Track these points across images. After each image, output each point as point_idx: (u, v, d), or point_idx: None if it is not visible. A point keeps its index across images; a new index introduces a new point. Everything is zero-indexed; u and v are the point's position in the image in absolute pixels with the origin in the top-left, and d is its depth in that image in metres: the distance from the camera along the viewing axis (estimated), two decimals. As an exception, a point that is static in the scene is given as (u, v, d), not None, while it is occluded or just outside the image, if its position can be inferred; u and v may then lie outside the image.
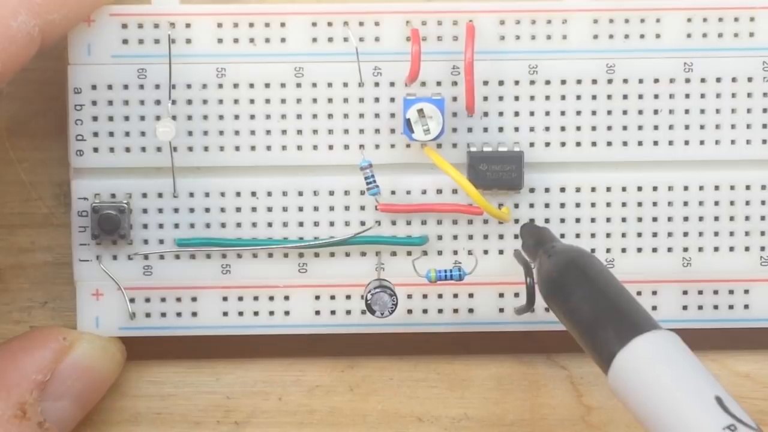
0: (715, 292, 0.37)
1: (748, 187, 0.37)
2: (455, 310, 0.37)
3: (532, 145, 0.36)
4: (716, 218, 0.37)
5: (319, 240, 0.36)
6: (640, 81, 0.36)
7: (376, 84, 0.36)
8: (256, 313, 0.37)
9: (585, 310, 0.30)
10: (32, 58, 0.33)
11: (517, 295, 0.37)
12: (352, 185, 0.36)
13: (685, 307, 0.37)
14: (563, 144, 0.36)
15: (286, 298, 0.37)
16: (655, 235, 0.37)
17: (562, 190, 0.36)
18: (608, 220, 0.37)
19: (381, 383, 0.38)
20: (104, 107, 0.36)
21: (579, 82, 0.36)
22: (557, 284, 0.31)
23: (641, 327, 0.29)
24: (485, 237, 0.36)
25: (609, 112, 0.36)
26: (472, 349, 0.38)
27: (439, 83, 0.36)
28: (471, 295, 0.37)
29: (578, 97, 0.36)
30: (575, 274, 0.31)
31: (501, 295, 0.37)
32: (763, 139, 0.36)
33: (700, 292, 0.37)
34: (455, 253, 0.36)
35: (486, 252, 0.36)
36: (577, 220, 0.36)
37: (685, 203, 0.37)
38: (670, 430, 0.27)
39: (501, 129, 0.36)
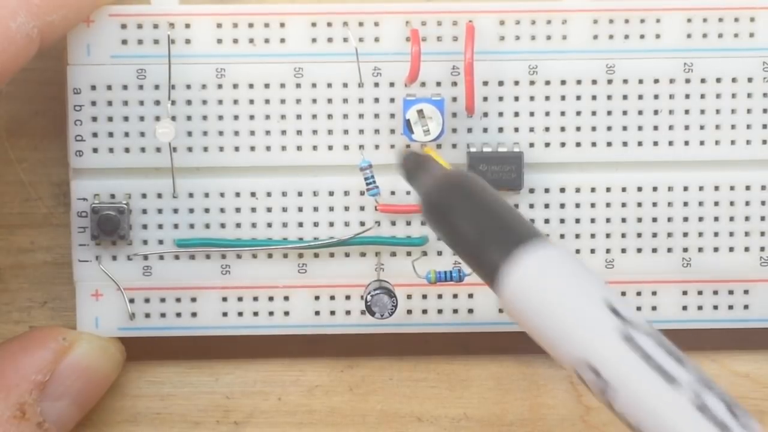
0: (715, 293, 0.37)
1: (748, 187, 0.37)
2: (455, 311, 0.37)
3: (531, 145, 0.36)
4: (716, 218, 0.37)
5: (319, 240, 0.36)
6: (640, 81, 0.36)
7: (376, 84, 0.36)
8: (255, 314, 0.37)
9: (467, 227, 0.29)
10: (31, 58, 0.33)
11: (516, 295, 0.36)
12: (351, 186, 0.36)
13: (684, 308, 0.37)
14: (563, 144, 0.36)
15: (286, 298, 0.37)
16: (654, 235, 0.37)
17: (562, 190, 0.36)
18: (608, 220, 0.36)
19: (380, 383, 0.38)
20: (103, 108, 0.36)
21: (579, 82, 0.36)
22: (437, 202, 0.30)
23: (524, 237, 0.28)
24: (485, 237, 0.36)
25: (609, 113, 0.36)
26: (471, 350, 0.38)
27: (438, 84, 0.36)
28: (470, 296, 0.37)
29: (578, 98, 0.36)
30: (457, 191, 0.29)
31: (501, 296, 0.37)
32: (763, 139, 0.36)
33: (700, 293, 0.37)
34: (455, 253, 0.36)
35: (486, 252, 0.36)
36: (577, 221, 0.36)
37: (685, 203, 0.37)
38: (565, 336, 0.26)
39: (501, 129, 0.36)
